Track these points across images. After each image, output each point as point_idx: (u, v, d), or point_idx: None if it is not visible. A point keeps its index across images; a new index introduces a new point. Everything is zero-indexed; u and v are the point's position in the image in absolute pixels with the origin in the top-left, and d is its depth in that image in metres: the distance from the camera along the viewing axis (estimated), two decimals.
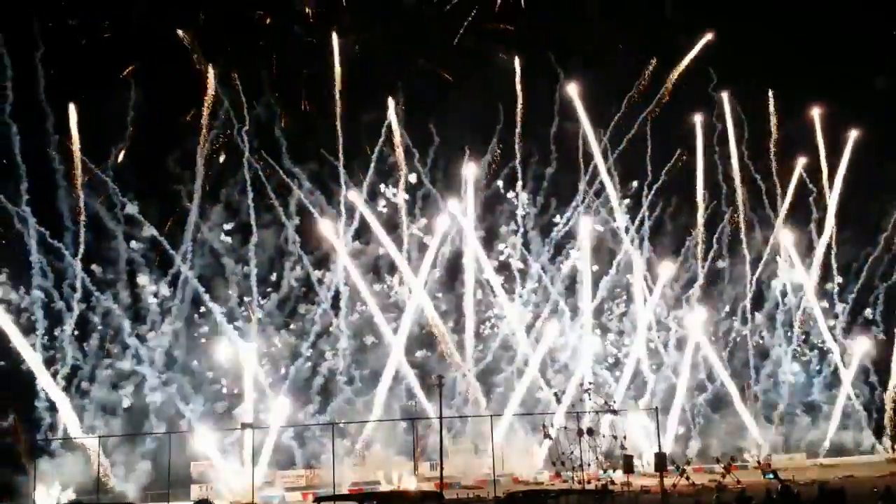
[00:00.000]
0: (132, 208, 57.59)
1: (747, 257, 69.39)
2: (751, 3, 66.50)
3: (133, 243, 57.94)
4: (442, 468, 50.19)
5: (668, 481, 39.85)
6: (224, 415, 58.53)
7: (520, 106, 65.78)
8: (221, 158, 60.50)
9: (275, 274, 61.48)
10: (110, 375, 56.43)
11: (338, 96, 62.29)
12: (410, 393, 62.19)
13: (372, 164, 63.56)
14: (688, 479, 36.31)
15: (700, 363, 67.20)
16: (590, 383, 48.52)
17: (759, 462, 58.40)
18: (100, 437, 53.17)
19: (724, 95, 69.24)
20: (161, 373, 57.10)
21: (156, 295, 58.26)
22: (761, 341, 69.72)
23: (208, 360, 59.13)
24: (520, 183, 65.99)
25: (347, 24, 63.24)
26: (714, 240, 69.08)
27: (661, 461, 41.98)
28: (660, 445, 46.40)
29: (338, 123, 62.22)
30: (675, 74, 67.79)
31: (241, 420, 55.49)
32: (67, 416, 53.63)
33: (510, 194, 66.61)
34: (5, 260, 54.81)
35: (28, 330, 54.25)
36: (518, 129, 65.65)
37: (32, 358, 53.53)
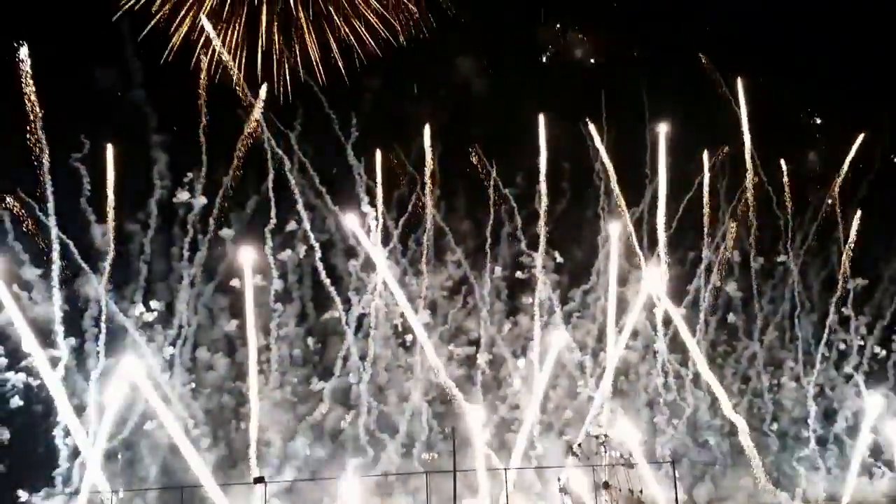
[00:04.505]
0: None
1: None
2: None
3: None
4: None
5: None
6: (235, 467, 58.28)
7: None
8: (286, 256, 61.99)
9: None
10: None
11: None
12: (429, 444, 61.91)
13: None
14: None
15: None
16: (605, 435, 47.78)
17: None
18: (113, 491, 53.04)
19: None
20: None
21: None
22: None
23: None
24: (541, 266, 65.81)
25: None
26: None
27: None
28: (676, 498, 46.11)
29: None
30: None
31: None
32: (91, 470, 53.35)
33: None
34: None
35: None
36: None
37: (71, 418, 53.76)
